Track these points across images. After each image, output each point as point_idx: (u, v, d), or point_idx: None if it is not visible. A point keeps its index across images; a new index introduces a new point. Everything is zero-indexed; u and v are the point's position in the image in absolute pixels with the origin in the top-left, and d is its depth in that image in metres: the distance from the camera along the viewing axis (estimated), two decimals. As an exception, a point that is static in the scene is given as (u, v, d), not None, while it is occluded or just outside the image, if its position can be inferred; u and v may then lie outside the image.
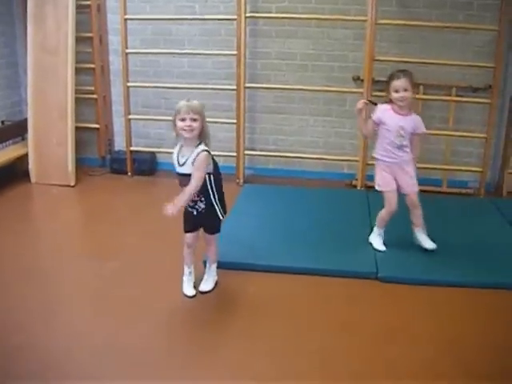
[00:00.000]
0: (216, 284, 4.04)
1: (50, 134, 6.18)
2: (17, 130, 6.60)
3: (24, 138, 6.56)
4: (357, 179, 6.08)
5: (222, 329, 3.61)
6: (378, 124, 4.43)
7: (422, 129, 4.44)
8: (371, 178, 5.98)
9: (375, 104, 4.57)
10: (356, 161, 6.06)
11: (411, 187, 4.47)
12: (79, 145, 6.43)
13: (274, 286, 4.12)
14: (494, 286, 4.11)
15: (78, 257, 4.68)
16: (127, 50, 6.26)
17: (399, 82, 4.27)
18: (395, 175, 4.46)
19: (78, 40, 6.21)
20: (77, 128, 6.26)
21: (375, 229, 4.67)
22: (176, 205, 3.58)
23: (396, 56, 5.91)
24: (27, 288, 4.06)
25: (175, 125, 3.65)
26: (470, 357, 3.34)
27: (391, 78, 4.34)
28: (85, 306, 3.90)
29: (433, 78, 5.97)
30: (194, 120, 3.60)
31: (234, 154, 6.25)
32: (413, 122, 4.38)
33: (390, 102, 4.38)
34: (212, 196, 3.76)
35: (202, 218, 3.83)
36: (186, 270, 3.99)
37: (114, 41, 6.54)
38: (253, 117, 6.45)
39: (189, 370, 3.22)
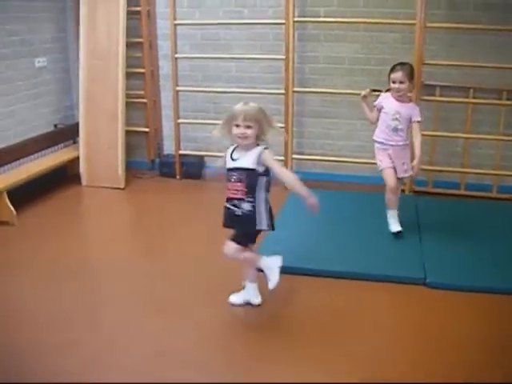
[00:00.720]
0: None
1: (100, 137, 6.30)
2: (68, 134, 6.74)
3: (75, 142, 6.70)
4: (405, 184, 6.04)
5: (265, 334, 3.64)
6: (379, 109, 4.89)
7: (418, 117, 4.78)
8: (419, 183, 6.01)
9: (379, 91, 5.00)
10: (404, 165, 6.01)
11: (403, 173, 4.90)
12: (129, 148, 6.54)
13: (319, 290, 4.12)
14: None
15: (128, 256, 4.76)
16: (176, 55, 6.34)
17: (396, 75, 4.70)
18: (391, 157, 4.86)
19: (129, 45, 6.32)
20: (127, 132, 6.37)
21: (387, 212, 4.90)
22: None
23: (445, 59, 5.86)
24: (77, 286, 4.16)
25: (229, 128, 3.54)
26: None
27: (391, 70, 4.75)
28: (132, 304, 3.96)
29: (483, 81, 5.89)
30: (249, 127, 3.46)
31: (282, 157, 6.26)
32: (410, 109, 4.79)
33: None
34: (262, 200, 3.60)
35: (239, 221, 3.61)
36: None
37: (163, 46, 6.63)
38: (300, 121, 6.46)
39: (229, 376, 3.24)
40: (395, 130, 4.78)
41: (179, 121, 6.51)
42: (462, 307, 3.90)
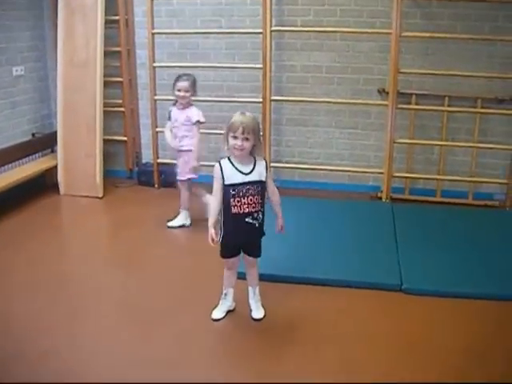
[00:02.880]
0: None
1: (78, 146, 6.29)
2: (46, 143, 6.73)
3: (53, 151, 6.69)
4: (382, 191, 6.08)
5: (244, 342, 3.65)
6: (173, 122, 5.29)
7: (195, 118, 5.21)
8: (396, 190, 6.06)
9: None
10: (381, 173, 6.06)
11: (181, 174, 5.36)
12: (107, 157, 6.52)
13: (295, 297, 4.14)
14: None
15: (105, 266, 4.75)
16: (154, 64, 6.36)
17: (183, 84, 5.14)
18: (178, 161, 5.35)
19: (107, 54, 6.32)
20: (105, 141, 6.36)
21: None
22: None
23: (421, 68, 5.94)
24: (54, 295, 4.15)
25: (227, 139, 3.53)
26: (496, 370, 3.32)
27: (177, 79, 5.18)
28: (109, 314, 3.95)
29: (458, 89, 5.97)
30: (247, 139, 3.48)
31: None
32: (186, 114, 5.21)
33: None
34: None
35: (258, 231, 3.68)
36: (223, 292, 3.90)
37: (141, 55, 6.64)
38: (278, 129, 6.50)
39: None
40: (175, 136, 5.24)
41: (157, 129, 6.50)
42: (437, 313, 3.95)
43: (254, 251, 3.81)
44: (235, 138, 3.48)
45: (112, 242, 5.39)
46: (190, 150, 5.21)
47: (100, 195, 6.27)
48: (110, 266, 4.77)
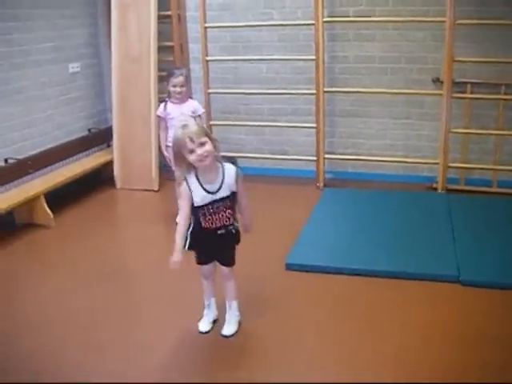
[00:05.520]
0: (239, 325, 3.69)
1: (134, 140, 6.39)
2: (102, 137, 6.85)
3: (109, 145, 6.81)
4: (437, 182, 6.02)
5: (299, 326, 3.67)
6: (164, 118, 5.27)
7: (201, 110, 5.36)
8: (452, 180, 5.99)
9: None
10: (436, 163, 6.00)
11: None
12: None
13: (354, 288, 4.14)
14: None
15: (162, 258, 4.78)
16: (207, 58, 6.41)
17: (178, 80, 5.17)
18: None
19: (160, 49, 6.39)
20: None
21: None
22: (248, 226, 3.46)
23: (476, 56, 5.82)
24: (111, 288, 4.24)
25: (183, 159, 3.23)
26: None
27: (171, 75, 5.19)
28: (166, 306, 4.01)
29: (514, 77, 5.88)
30: (203, 144, 3.16)
31: (314, 158, 6.29)
32: (189, 107, 5.24)
33: (168, 95, 5.28)
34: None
35: (230, 240, 3.48)
36: (205, 303, 3.74)
37: (194, 49, 6.70)
38: (332, 121, 6.48)
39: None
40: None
41: (211, 122, 6.55)
42: (496, 305, 3.89)
43: (226, 259, 3.56)
44: (192, 151, 3.16)
45: (169, 234, 5.40)
46: None
47: (156, 188, 6.36)
48: (167, 259, 4.81)
